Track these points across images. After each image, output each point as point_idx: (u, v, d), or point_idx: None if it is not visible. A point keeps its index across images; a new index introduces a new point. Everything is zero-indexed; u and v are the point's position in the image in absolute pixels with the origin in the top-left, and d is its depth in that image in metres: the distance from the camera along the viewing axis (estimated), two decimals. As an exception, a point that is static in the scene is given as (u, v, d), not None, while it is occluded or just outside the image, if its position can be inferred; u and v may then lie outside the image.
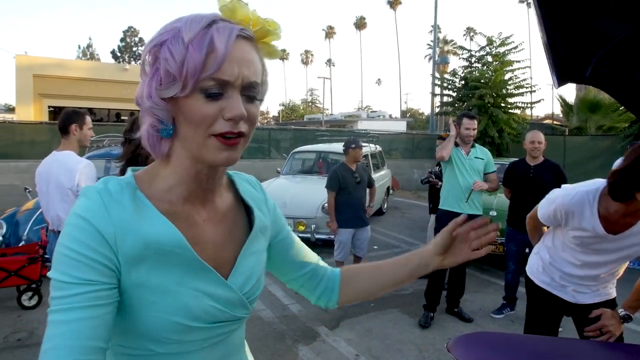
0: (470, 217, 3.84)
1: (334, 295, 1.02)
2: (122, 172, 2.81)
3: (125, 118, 21.09)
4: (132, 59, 48.52)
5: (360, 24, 75.23)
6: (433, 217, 5.42)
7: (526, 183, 4.13)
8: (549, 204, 2.08)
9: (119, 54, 51.06)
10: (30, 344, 3.43)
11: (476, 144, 4.27)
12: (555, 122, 21.13)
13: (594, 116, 15.09)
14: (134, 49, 51.22)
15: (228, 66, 0.67)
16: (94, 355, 0.63)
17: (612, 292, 2.13)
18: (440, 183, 4.95)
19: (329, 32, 79.52)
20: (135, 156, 2.81)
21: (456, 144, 4.16)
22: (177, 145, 0.74)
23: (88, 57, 48.87)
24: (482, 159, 4.22)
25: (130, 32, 51.93)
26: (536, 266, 2.29)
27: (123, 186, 0.73)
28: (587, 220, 1.87)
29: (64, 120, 2.86)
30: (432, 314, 4.16)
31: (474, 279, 5.36)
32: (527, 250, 4.12)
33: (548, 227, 2.30)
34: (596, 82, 1.24)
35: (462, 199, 4.08)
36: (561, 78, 1.23)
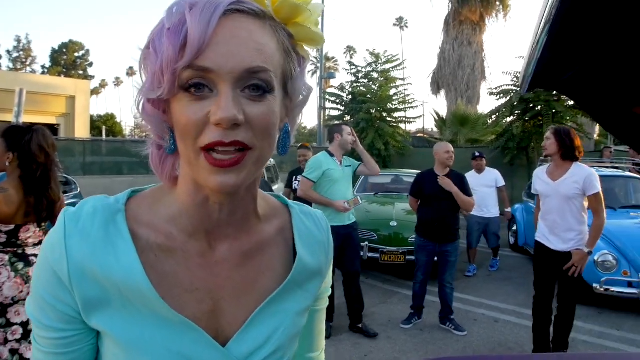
0: (349, 227, 3.69)
1: None
2: None
3: None
4: None
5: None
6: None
7: (436, 193, 4.13)
8: (533, 181, 3.60)
9: None
10: None
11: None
12: (426, 135, 23.36)
13: (463, 129, 16.64)
14: None
15: (211, 51, 0.50)
16: None
17: (580, 245, 3.24)
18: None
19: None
20: (27, 170, 2.18)
21: (331, 154, 3.97)
22: (183, 165, 0.59)
23: None
24: (351, 166, 4.13)
25: None
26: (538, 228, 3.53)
27: (99, 209, 0.58)
28: (540, 173, 3.49)
29: None
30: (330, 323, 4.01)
31: (377, 290, 5.39)
32: (435, 259, 4.23)
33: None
34: (566, 91, 1.18)
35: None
36: (532, 83, 1.16)
